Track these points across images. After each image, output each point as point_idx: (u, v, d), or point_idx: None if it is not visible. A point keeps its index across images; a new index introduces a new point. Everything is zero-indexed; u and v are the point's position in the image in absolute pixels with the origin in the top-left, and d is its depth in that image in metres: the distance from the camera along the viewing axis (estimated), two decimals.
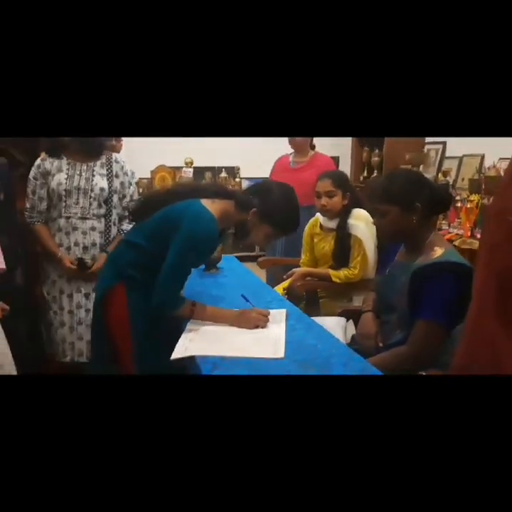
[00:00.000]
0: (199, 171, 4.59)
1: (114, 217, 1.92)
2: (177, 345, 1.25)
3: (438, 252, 1.30)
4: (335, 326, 1.64)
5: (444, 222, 2.99)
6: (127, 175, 1.95)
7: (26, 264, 1.89)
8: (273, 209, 1.36)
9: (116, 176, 1.91)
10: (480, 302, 0.73)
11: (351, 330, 1.72)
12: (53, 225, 1.87)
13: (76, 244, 1.86)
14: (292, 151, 2.76)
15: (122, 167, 1.94)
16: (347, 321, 1.77)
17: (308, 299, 2.12)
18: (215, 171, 4.75)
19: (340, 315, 1.81)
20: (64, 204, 1.83)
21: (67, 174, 1.83)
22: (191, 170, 4.56)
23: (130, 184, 1.97)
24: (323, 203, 2.01)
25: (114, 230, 1.93)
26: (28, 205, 1.86)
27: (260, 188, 1.45)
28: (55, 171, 1.83)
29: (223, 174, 4.73)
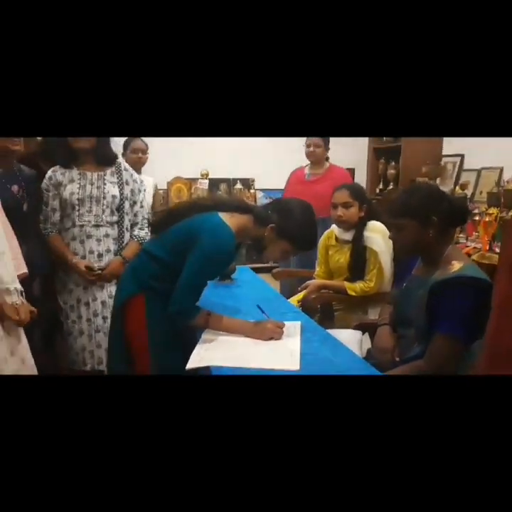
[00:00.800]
0: (214, 183, 4.63)
1: (127, 223, 1.97)
2: (192, 355, 1.25)
3: (456, 266, 1.29)
4: (350, 339, 1.62)
5: (461, 235, 2.95)
6: (137, 182, 2.00)
7: (44, 276, 1.91)
8: (291, 226, 1.37)
9: (127, 184, 1.96)
10: (500, 316, 0.72)
11: (367, 344, 1.70)
12: (67, 235, 1.90)
13: (91, 251, 1.89)
14: (308, 163, 2.77)
15: (131, 175, 2.00)
16: (363, 334, 1.75)
17: (323, 312, 2.10)
18: (230, 182, 4.78)
19: (356, 328, 1.79)
20: (77, 213, 1.86)
21: (79, 184, 1.87)
22: (207, 181, 4.60)
23: (139, 191, 2.01)
24: (340, 213, 2.00)
25: (127, 236, 1.97)
26: (41, 217, 1.90)
27: (280, 204, 1.46)
28: (67, 181, 1.87)
29: (238, 186, 4.75)
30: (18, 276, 1.47)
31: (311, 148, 2.65)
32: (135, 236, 1.99)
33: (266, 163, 4.58)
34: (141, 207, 2.01)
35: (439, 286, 1.27)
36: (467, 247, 2.78)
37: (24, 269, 1.53)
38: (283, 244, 1.40)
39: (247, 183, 4.84)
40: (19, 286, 1.41)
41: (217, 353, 1.27)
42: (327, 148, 2.71)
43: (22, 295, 1.42)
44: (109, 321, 1.88)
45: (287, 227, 1.38)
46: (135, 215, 1.99)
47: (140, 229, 2.00)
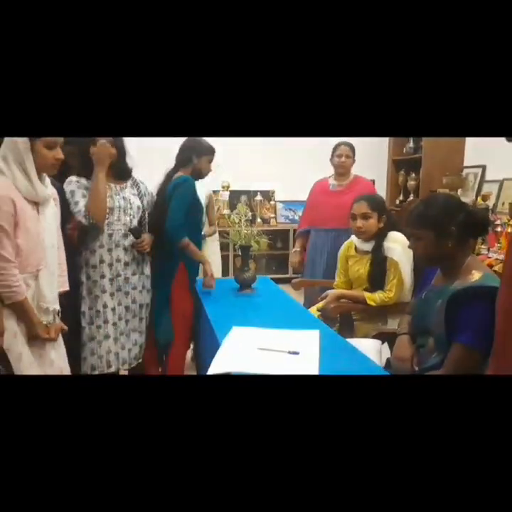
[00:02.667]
0: (235, 195, 4.70)
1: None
2: (213, 361, 1.28)
3: (475, 276, 1.29)
4: (370, 348, 1.63)
5: (483, 246, 2.92)
6: (150, 194, 2.12)
7: (73, 285, 1.98)
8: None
9: (144, 195, 2.07)
10: (507, 322, 0.72)
11: (386, 353, 1.70)
12: (94, 243, 1.93)
13: (118, 260, 1.95)
14: (331, 174, 2.77)
15: (146, 187, 2.11)
16: (382, 343, 1.75)
17: (343, 321, 2.11)
18: (251, 194, 4.85)
19: (375, 338, 1.80)
20: (106, 221, 1.92)
21: (107, 194, 1.92)
22: (227, 193, 4.68)
23: (152, 203, 2.13)
24: (359, 224, 2.02)
25: None
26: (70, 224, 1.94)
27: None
28: None
29: (258, 197, 4.81)
30: (60, 292, 1.56)
31: (343, 159, 2.66)
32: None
33: (286, 175, 4.63)
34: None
35: (458, 295, 1.28)
36: (489, 258, 2.76)
37: (66, 287, 1.63)
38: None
39: (267, 195, 4.90)
40: (58, 307, 1.50)
41: (238, 360, 1.29)
42: (354, 160, 2.73)
43: (58, 315, 1.50)
44: (130, 324, 2.02)
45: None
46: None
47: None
